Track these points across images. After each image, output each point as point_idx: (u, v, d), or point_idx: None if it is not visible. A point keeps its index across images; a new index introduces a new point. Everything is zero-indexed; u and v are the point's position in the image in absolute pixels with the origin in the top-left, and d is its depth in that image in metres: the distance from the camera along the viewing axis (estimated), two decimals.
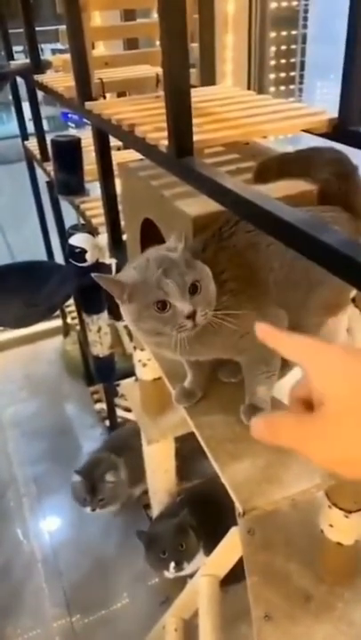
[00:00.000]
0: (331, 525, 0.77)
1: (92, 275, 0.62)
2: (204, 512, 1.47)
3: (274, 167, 0.82)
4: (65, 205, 1.98)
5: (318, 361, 0.38)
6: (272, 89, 1.96)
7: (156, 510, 1.62)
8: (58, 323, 2.82)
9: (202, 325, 0.62)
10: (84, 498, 1.65)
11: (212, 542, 1.18)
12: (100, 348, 1.87)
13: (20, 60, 2.11)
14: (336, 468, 0.37)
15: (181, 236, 0.64)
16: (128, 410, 2.25)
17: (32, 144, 2.19)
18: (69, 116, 1.81)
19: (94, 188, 1.54)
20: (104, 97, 1.25)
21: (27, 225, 2.76)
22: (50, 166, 1.79)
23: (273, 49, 1.89)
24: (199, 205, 0.76)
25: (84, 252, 1.53)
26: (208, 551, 1.35)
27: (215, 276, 0.65)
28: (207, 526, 1.44)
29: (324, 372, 0.38)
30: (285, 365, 0.77)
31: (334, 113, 0.87)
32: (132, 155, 1.06)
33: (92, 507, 1.65)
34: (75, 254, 1.55)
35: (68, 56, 1.25)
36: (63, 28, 1.25)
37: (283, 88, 1.99)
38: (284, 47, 1.92)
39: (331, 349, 0.39)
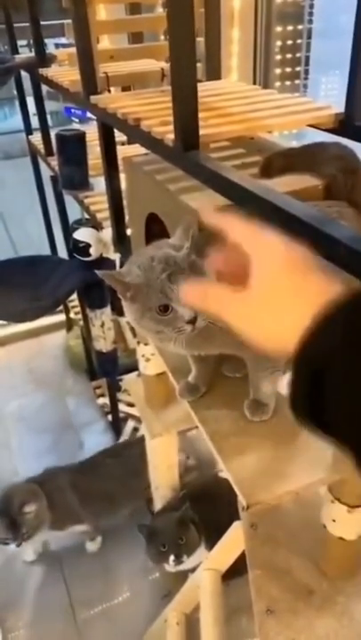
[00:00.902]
0: (334, 520, 0.77)
1: (97, 272, 0.61)
2: (207, 507, 1.48)
3: (279, 162, 0.82)
4: (69, 200, 1.98)
5: (258, 244, 0.43)
6: (277, 84, 1.95)
7: (158, 505, 1.62)
8: (61, 317, 2.82)
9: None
10: (6, 538, 1.54)
11: (213, 537, 1.18)
12: (104, 342, 1.87)
13: (24, 54, 2.10)
14: (253, 337, 0.41)
15: (188, 234, 0.62)
16: (131, 405, 2.26)
17: (36, 138, 2.19)
18: (73, 111, 1.81)
19: (98, 183, 1.54)
20: (109, 91, 1.25)
21: (30, 219, 2.76)
22: (54, 161, 1.79)
23: (278, 43, 1.88)
24: (205, 200, 0.75)
25: (88, 246, 1.53)
26: (210, 546, 1.35)
27: None
28: (209, 521, 1.44)
29: (262, 253, 0.42)
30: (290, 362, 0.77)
31: (339, 108, 0.87)
32: (136, 150, 1.06)
33: (17, 543, 1.55)
34: (79, 249, 1.55)
35: (72, 50, 1.25)
36: (69, 22, 1.25)
37: (288, 83, 1.98)
38: (289, 42, 1.91)
39: (270, 236, 0.44)
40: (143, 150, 0.97)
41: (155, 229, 0.93)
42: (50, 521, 1.63)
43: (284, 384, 0.77)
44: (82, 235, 1.54)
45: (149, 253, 0.63)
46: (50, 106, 2.33)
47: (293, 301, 0.38)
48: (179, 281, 0.59)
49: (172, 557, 1.38)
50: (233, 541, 1.08)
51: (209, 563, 1.18)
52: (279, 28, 1.86)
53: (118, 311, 1.97)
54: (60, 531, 1.69)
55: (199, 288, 0.46)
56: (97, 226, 1.57)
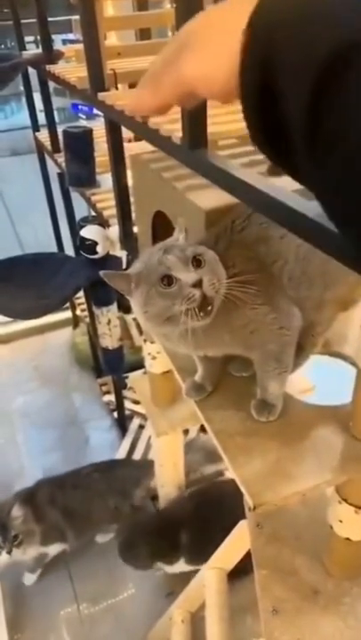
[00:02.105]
0: (340, 521, 0.77)
1: (100, 272, 0.62)
2: (203, 510, 1.48)
3: None
4: (76, 197, 1.98)
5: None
6: None
7: (162, 503, 1.63)
8: (67, 314, 2.82)
9: (214, 305, 0.61)
10: None
11: (217, 537, 1.18)
12: (110, 340, 1.87)
13: (32, 50, 2.10)
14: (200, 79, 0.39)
15: (182, 229, 0.65)
16: (137, 402, 2.26)
17: (43, 135, 2.19)
18: (80, 107, 1.80)
19: (106, 180, 1.54)
20: (116, 88, 1.24)
21: (37, 217, 2.76)
22: (61, 157, 1.79)
23: None
24: (212, 198, 0.75)
25: (94, 244, 1.53)
26: (213, 547, 1.35)
27: (226, 270, 0.65)
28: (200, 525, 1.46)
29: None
30: (296, 363, 0.76)
31: None
32: (143, 146, 1.06)
33: (7, 549, 1.54)
34: (85, 246, 1.55)
35: (80, 46, 1.25)
36: (76, 18, 1.25)
37: None
38: None
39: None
40: (150, 147, 0.97)
41: (163, 227, 0.93)
42: (39, 535, 1.63)
43: (289, 383, 0.76)
44: (88, 232, 1.54)
45: (149, 251, 0.65)
46: (57, 102, 2.34)
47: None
48: (175, 252, 0.60)
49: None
50: (239, 540, 1.08)
51: (214, 561, 1.18)
52: None
53: (124, 309, 1.97)
54: (47, 547, 1.68)
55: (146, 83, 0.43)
56: (104, 223, 1.57)
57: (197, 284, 0.59)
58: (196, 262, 0.60)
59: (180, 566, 1.48)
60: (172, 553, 1.45)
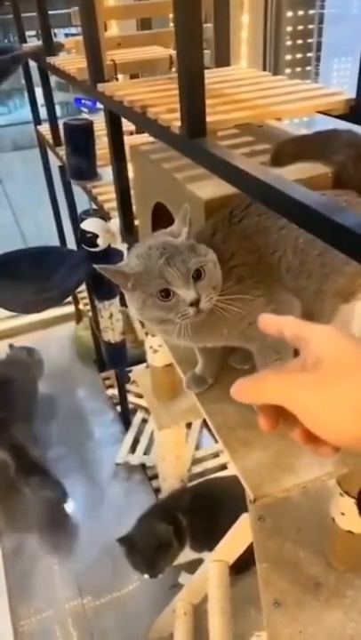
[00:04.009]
0: (342, 514, 0.76)
1: (96, 266, 0.61)
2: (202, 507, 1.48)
3: (291, 149, 0.80)
4: (79, 191, 1.97)
5: (319, 333, 0.42)
6: (288, 70, 1.92)
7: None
8: (70, 309, 2.82)
9: (207, 311, 0.61)
10: None
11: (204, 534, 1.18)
12: (112, 334, 1.87)
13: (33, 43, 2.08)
14: (318, 426, 0.38)
15: (185, 219, 0.62)
16: (139, 396, 2.26)
17: (44, 128, 2.18)
18: (83, 101, 1.79)
19: (107, 173, 1.53)
20: (116, 79, 1.23)
21: (39, 210, 2.75)
22: (62, 151, 1.78)
23: (289, 29, 1.84)
24: (211, 188, 0.74)
25: (95, 236, 1.52)
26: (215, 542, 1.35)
27: (224, 261, 0.64)
28: (201, 521, 1.45)
29: (325, 340, 0.41)
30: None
31: (352, 94, 0.85)
32: (144, 139, 1.05)
33: None
34: (86, 239, 1.54)
35: (80, 38, 1.23)
36: (76, 9, 1.23)
37: (299, 70, 1.94)
38: (300, 27, 1.87)
39: (326, 327, 0.43)
40: (152, 140, 0.96)
41: (164, 219, 0.92)
42: None
43: None
44: (89, 225, 1.53)
45: (147, 243, 0.63)
46: (60, 97, 2.32)
47: None
48: (177, 264, 0.59)
49: (146, 576, 1.45)
50: (241, 533, 1.07)
51: (217, 554, 1.18)
52: (290, 14, 1.82)
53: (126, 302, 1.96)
54: None
55: (255, 378, 0.43)
56: (105, 216, 1.56)
57: (195, 303, 0.59)
58: (197, 274, 0.60)
59: (187, 554, 1.48)
60: (176, 537, 1.45)
